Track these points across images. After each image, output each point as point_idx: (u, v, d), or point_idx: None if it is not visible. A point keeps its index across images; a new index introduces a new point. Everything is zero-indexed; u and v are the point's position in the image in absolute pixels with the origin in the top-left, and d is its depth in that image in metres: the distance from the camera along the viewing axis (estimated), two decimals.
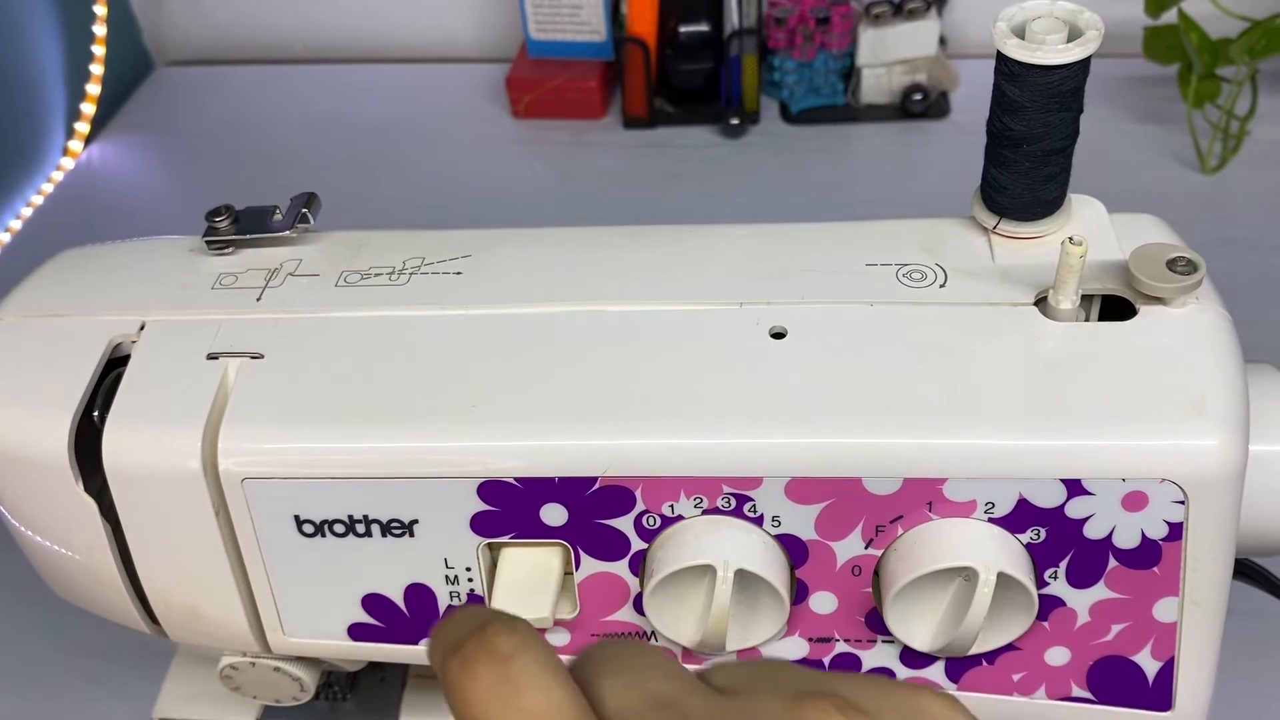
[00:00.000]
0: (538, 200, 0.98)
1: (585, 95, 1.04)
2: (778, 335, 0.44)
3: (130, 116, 1.11)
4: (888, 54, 0.99)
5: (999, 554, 0.41)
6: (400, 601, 0.46)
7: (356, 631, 0.48)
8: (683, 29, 0.99)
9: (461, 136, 1.05)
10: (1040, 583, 0.43)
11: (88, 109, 1.07)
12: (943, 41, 1.00)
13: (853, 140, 1.01)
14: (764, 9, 0.99)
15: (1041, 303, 0.44)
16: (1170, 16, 0.90)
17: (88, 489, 0.46)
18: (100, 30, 1.07)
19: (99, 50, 1.07)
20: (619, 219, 0.94)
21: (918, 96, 1.00)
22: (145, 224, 0.98)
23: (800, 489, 0.42)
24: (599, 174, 1.00)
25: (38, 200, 1.02)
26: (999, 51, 0.42)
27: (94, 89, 1.07)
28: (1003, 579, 0.41)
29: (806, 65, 1.01)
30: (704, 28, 0.99)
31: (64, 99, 1.05)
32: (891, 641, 0.45)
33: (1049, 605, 0.44)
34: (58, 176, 1.04)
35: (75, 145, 1.06)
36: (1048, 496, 0.41)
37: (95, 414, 0.46)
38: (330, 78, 1.13)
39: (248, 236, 0.50)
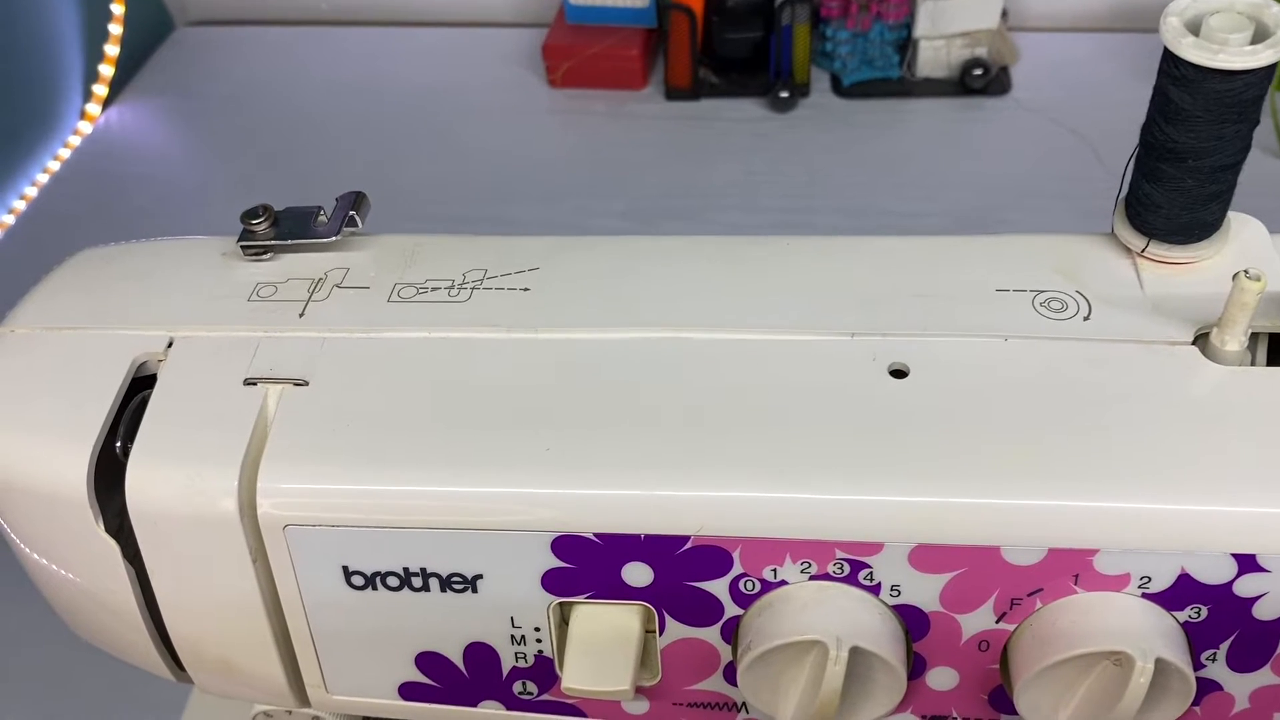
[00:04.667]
0: (573, 175, 0.94)
1: (625, 64, 1.00)
2: (898, 374, 0.39)
3: (149, 78, 1.08)
4: (947, 26, 0.95)
5: (1156, 637, 0.36)
6: (459, 661, 0.41)
7: (408, 691, 0.42)
8: None
9: (494, 105, 1.01)
10: (1195, 664, 0.38)
11: (106, 70, 1.04)
12: (1005, 14, 0.97)
13: (908, 116, 0.98)
14: None
15: (1201, 340, 0.39)
16: None
17: (108, 525, 0.40)
18: None
19: (117, 9, 1.04)
20: (659, 195, 0.91)
21: (978, 71, 0.97)
22: (164, 190, 0.96)
23: (927, 556, 0.36)
24: (638, 147, 0.96)
25: (54, 166, 1.00)
26: (1167, 50, 0.37)
27: (112, 50, 1.05)
28: (1157, 663, 0.36)
29: (861, 36, 0.98)
30: None
31: (81, 60, 1.02)
32: None
33: (1203, 689, 0.38)
34: (75, 141, 1.02)
35: (93, 108, 1.04)
36: (1214, 572, 0.36)
37: (118, 444, 0.41)
38: (357, 40, 1.10)
39: (288, 242, 0.44)
